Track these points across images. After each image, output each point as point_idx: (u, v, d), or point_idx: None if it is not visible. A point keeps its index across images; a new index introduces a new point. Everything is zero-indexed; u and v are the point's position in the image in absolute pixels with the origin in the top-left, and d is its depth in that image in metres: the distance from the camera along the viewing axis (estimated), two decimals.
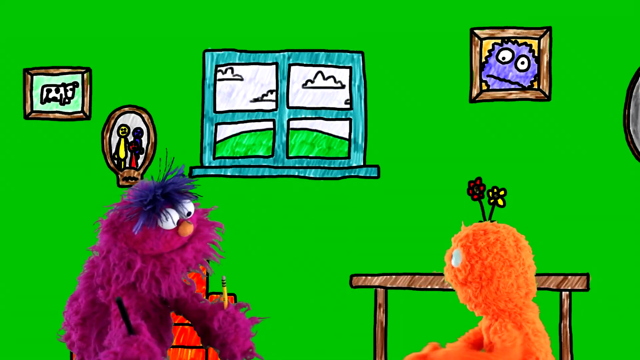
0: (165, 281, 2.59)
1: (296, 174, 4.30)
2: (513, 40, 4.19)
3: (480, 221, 2.74)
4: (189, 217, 2.61)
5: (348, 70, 4.31)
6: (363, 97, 4.30)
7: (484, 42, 4.20)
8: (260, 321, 2.77)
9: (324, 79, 4.34)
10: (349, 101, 4.31)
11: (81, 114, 4.41)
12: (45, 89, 4.43)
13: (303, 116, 4.34)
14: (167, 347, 2.76)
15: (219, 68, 4.36)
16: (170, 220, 2.56)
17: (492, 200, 2.74)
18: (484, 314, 2.64)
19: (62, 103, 4.42)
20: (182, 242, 2.61)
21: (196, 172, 4.33)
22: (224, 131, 4.36)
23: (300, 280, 4.27)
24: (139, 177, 4.37)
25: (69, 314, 2.70)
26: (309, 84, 4.34)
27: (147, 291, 2.60)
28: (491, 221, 2.72)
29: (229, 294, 4.22)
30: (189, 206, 2.62)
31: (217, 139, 4.36)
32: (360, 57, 4.30)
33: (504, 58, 4.19)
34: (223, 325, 2.69)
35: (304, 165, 4.31)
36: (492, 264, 2.57)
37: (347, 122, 4.31)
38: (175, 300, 2.73)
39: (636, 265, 4.12)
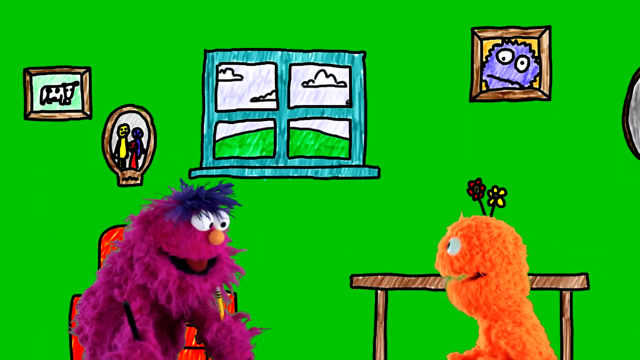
0: (179, 299, 2.56)
1: (296, 174, 4.30)
2: (513, 40, 4.19)
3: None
4: (222, 227, 2.60)
5: (348, 69, 4.31)
6: (363, 97, 4.30)
7: (484, 42, 4.20)
8: (260, 332, 2.73)
9: (325, 78, 4.34)
10: (349, 101, 4.31)
11: (81, 114, 4.42)
12: (45, 89, 4.43)
13: (303, 116, 4.34)
14: (178, 350, 2.75)
15: (219, 68, 4.36)
16: (204, 219, 2.54)
17: (492, 201, 2.73)
18: (484, 317, 2.63)
19: (62, 103, 4.42)
20: (209, 252, 2.58)
21: (196, 172, 4.33)
22: (224, 131, 4.37)
23: (300, 280, 4.27)
24: (139, 177, 4.37)
25: (84, 306, 2.67)
26: (310, 84, 4.34)
27: (154, 297, 2.57)
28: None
29: (229, 294, 4.22)
30: (226, 218, 2.61)
31: (217, 139, 4.36)
32: (361, 57, 4.30)
33: (504, 58, 4.19)
34: (217, 337, 2.65)
35: (304, 165, 4.31)
36: (492, 258, 2.58)
37: (347, 122, 4.31)
38: None
39: (636, 265, 4.12)
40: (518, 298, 2.62)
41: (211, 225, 2.56)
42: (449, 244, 2.63)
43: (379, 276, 4.15)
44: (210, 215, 2.56)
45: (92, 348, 2.65)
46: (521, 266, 2.62)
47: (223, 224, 2.60)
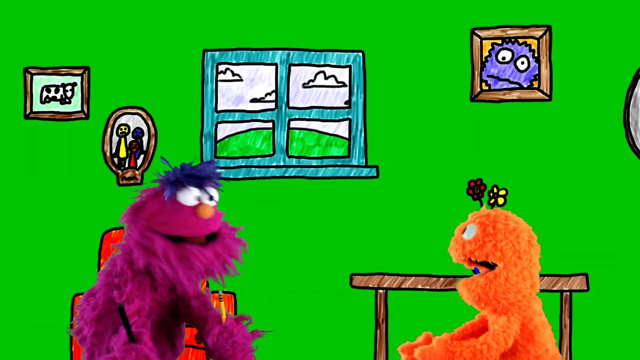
0: (185, 270, 2.54)
1: (296, 173, 4.30)
2: (513, 40, 4.19)
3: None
4: (211, 201, 2.57)
5: (348, 69, 4.31)
6: (363, 96, 4.30)
7: (484, 41, 4.20)
8: (262, 335, 2.72)
9: (325, 78, 4.34)
10: (348, 101, 4.32)
11: (81, 114, 4.42)
12: (45, 89, 4.43)
13: (303, 116, 4.34)
14: (177, 355, 2.74)
15: (218, 68, 4.36)
16: (189, 192, 2.52)
17: (492, 201, 2.74)
18: (493, 312, 2.64)
19: (62, 103, 4.42)
20: (200, 227, 2.55)
21: None
22: (224, 131, 4.37)
23: (300, 280, 4.27)
24: (139, 177, 4.37)
25: (83, 308, 2.67)
26: (310, 84, 4.35)
27: (161, 276, 2.55)
28: None
29: (228, 293, 4.22)
30: (213, 192, 2.58)
31: (218, 139, 4.37)
32: (361, 57, 4.30)
33: (504, 58, 4.19)
34: (219, 340, 2.64)
35: (304, 165, 4.31)
36: (502, 249, 2.60)
37: (347, 122, 4.31)
38: (185, 307, 2.71)
39: (636, 265, 4.12)
40: (527, 293, 2.63)
41: (199, 199, 2.54)
42: (465, 229, 2.66)
43: (379, 276, 4.15)
44: (194, 188, 2.54)
45: (90, 349, 2.64)
46: (531, 264, 2.64)
47: (211, 198, 2.57)
